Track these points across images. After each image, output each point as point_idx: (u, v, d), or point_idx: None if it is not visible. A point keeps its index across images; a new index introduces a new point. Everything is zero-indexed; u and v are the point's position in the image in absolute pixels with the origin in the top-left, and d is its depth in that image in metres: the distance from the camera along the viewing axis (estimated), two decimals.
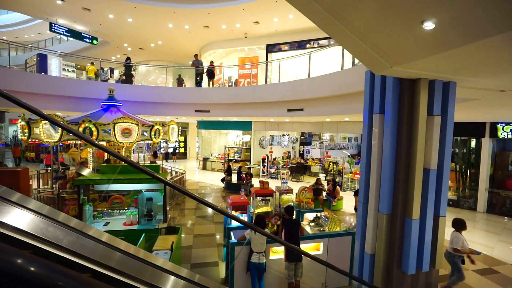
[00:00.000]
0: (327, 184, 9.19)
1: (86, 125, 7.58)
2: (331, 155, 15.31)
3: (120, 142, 8.08)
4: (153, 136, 8.69)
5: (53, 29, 12.51)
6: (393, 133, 2.82)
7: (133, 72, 12.08)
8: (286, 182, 6.21)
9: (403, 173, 2.81)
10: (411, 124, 2.77)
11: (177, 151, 21.77)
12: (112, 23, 13.51)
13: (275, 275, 4.17)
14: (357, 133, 12.26)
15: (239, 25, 13.16)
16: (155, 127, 8.70)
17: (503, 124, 8.65)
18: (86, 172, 6.08)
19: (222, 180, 11.49)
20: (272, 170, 13.87)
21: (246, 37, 14.64)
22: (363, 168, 3.27)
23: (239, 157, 15.70)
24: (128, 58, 12.12)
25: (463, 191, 9.79)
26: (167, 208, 5.59)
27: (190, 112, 11.80)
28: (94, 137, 7.52)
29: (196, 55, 12.44)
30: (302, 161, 14.86)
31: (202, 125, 16.97)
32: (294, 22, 12.49)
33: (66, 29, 13.02)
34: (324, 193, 8.86)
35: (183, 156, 22.10)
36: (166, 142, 18.77)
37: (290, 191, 5.62)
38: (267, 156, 14.14)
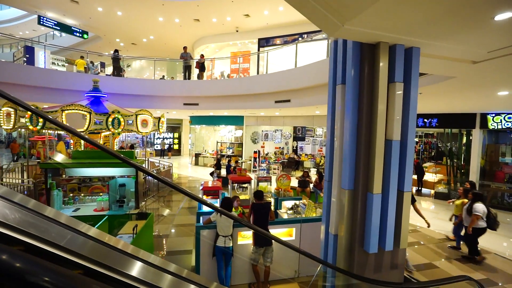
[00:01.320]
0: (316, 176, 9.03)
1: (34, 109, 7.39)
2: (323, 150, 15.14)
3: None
4: (110, 126, 8.05)
5: (41, 22, 12.38)
6: (354, 103, 2.66)
7: (124, 67, 11.95)
8: (265, 170, 6.05)
9: (365, 146, 2.64)
10: (372, 93, 2.61)
11: (172, 147, 21.66)
12: (102, 16, 13.38)
13: (244, 261, 4.00)
14: None
15: (229, 18, 13.02)
16: (113, 116, 7.97)
17: (493, 115, 8.48)
18: (59, 158, 5.93)
19: (211, 174, 11.33)
20: (264, 165, 13.71)
21: (237, 31, 14.50)
22: (328, 144, 3.11)
23: (232, 152, 15.56)
24: (116, 51, 11.98)
25: (454, 184, 9.61)
26: (141, 196, 5.44)
27: (178, 105, 11.65)
28: (40, 125, 7.13)
29: (185, 48, 12.30)
30: (295, 157, 14.70)
31: (195, 120, 16.83)
32: (285, 15, 12.35)
33: (55, 22, 12.89)
34: (311, 186, 8.70)
35: (178, 153, 21.97)
36: (143, 137, 18.64)
37: (268, 178, 5.46)
38: (259, 151, 13.99)
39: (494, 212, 5.03)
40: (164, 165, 11.25)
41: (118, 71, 11.72)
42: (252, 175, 6.61)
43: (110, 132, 8.27)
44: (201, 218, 4.26)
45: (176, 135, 22.16)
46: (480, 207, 4.86)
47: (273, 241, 3.89)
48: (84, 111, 7.44)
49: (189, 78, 12.02)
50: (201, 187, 5.14)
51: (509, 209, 8.41)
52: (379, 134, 2.56)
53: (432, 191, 10.21)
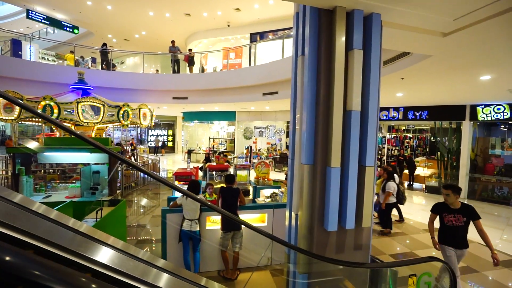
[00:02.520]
0: None
1: (47, 102, 7.35)
2: None
3: (84, 122, 7.88)
4: (121, 118, 8.49)
5: (30, 16, 12.27)
6: (312, 74, 2.53)
7: (118, 64, 11.88)
8: (243, 158, 5.92)
9: (323, 117, 2.51)
10: (330, 62, 2.48)
11: (165, 145, 21.54)
12: (92, 10, 13.26)
13: (213, 248, 3.87)
14: None
15: (220, 12, 12.90)
16: (124, 108, 8.50)
17: (483, 106, 8.36)
18: (32, 145, 5.86)
19: (200, 168, 11.19)
20: (255, 161, 13.57)
21: (229, 26, 14.38)
22: (291, 120, 2.98)
23: (225, 148, 15.43)
24: (104, 44, 11.86)
25: (444, 177, 9.47)
26: (128, 188, 5.31)
27: (167, 99, 11.53)
28: (55, 116, 7.33)
29: (173, 41, 12.19)
30: (287, 153, 14.57)
31: (187, 116, 16.71)
32: (275, 9, 12.23)
33: (45, 16, 12.78)
34: None
35: (172, 150, 21.85)
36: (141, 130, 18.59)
37: (247, 166, 5.34)
38: (250, 147, 13.87)
39: (403, 189, 5.98)
40: (153, 159, 11.14)
41: (107, 64, 11.59)
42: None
43: (120, 123, 8.48)
44: (171, 203, 4.13)
45: (170, 132, 22.04)
46: (391, 185, 5.53)
47: (242, 226, 3.76)
48: (98, 103, 7.72)
49: (178, 72, 11.90)
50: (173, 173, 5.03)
51: (498, 202, 8.28)
52: (337, 104, 2.43)
53: (423, 185, 10.08)
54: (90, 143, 1.45)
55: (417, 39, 3.20)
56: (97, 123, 8.22)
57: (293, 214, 2.88)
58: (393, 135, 13.10)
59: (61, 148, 4.73)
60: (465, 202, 3.33)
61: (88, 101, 7.92)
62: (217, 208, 2.33)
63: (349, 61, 2.46)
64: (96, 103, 8.02)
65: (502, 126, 8.94)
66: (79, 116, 7.69)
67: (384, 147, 12.15)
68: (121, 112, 8.47)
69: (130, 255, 1.26)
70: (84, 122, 7.86)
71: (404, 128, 14.20)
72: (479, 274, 4.08)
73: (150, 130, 21.57)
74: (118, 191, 5.32)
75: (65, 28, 13.68)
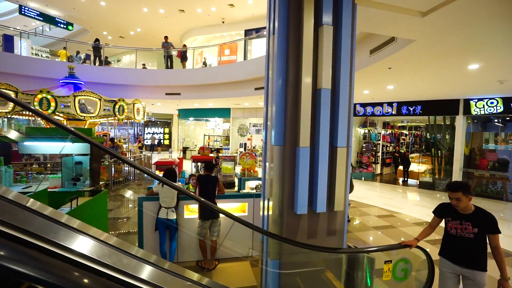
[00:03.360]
0: None
1: (44, 95, 7.31)
2: None
3: (81, 115, 7.86)
4: (116, 112, 8.50)
5: (22, 12, 12.21)
6: (282, 51, 2.44)
7: (114, 61, 11.85)
8: (227, 149, 5.83)
9: (292, 96, 2.42)
10: (299, 39, 2.39)
11: (162, 143, 21.47)
12: (85, 6, 13.20)
13: (191, 237, 3.78)
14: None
15: (214, 8, 12.82)
16: (119, 103, 8.53)
17: (476, 100, 8.26)
18: (12, 134, 5.82)
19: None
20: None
21: (223, 22, 14.30)
22: (265, 102, 2.90)
23: (221, 146, 15.35)
24: (97, 40, 11.80)
25: (438, 172, 9.37)
26: (119, 182, 5.22)
27: (160, 95, 11.46)
28: (51, 109, 7.34)
29: (166, 37, 12.11)
30: None
31: (182, 114, 16.65)
32: None
33: (38, 12, 12.72)
34: None
35: (168, 148, 21.77)
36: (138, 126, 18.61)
37: (232, 158, 5.25)
38: (245, 144, 13.81)
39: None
40: (146, 155, 11.07)
41: (99, 60, 11.53)
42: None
43: (116, 117, 8.53)
44: None
45: (166, 130, 21.97)
46: None
47: (221, 216, 3.68)
48: (95, 97, 7.79)
49: (171, 68, 11.82)
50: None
51: (492, 197, 8.17)
52: (306, 81, 2.35)
53: (417, 181, 9.98)
54: (71, 132, 1.50)
55: (397, 20, 3.11)
56: (93, 117, 8.22)
57: (266, 198, 2.80)
58: (388, 132, 13.00)
59: (41, 137, 4.66)
60: (482, 208, 2.37)
61: (85, 95, 7.92)
62: (193, 195, 2.26)
63: (318, 38, 2.38)
64: (93, 97, 8.02)
65: (496, 120, 8.84)
66: (76, 110, 7.67)
67: (379, 143, 12.05)
68: (117, 106, 8.52)
69: (100, 240, 1.19)
70: (81, 116, 7.86)
71: (400, 124, 14.10)
72: None
73: (146, 128, 21.52)
74: (101, 183, 5.24)
75: (58, 24, 13.61)
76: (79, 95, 7.69)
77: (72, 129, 1.54)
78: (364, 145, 11.57)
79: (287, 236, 2.49)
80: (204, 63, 12.83)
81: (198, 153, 11.02)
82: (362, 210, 6.74)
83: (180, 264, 3.86)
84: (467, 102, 8.47)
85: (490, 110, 8.06)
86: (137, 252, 1.29)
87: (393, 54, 4.33)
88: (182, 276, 1.38)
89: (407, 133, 14.84)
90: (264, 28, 14.05)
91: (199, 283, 1.41)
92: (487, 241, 2.29)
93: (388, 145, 12.89)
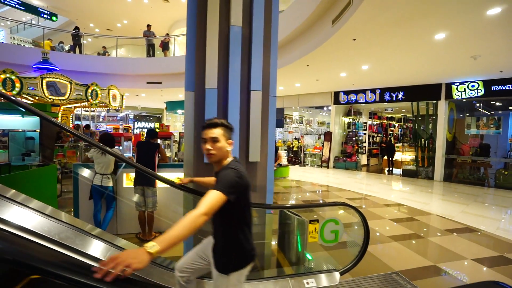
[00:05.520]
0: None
1: (7, 76, 7.15)
2: (293, 132, 14.54)
3: (50, 98, 7.69)
4: (89, 97, 8.32)
5: (2, 0, 12.06)
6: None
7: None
8: None
9: (201, 36, 2.21)
10: None
11: None
12: None
13: (132, 208, 3.57)
14: (317, 104, 11.65)
15: None
16: (92, 87, 8.34)
17: (457, 84, 8.03)
18: None
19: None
20: None
21: None
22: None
23: None
24: (77, 28, 11.64)
25: (422, 160, 9.13)
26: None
27: (141, 84, 11.28)
28: (16, 90, 7.16)
29: (148, 26, 11.94)
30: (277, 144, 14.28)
31: (170, 106, 16.48)
32: None
33: (19, 2, 12.57)
34: None
35: None
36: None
37: None
38: None
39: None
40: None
41: (79, 49, 11.37)
42: None
43: (89, 102, 8.38)
44: None
45: (157, 124, 21.77)
46: None
47: (159, 185, 3.48)
48: (65, 80, 7.64)
49: (153, 57, 11.65)
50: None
51: (474, 183, 7.92)
52: (211, 17, 2.14)
53: (401, 170, 9.75)
54: (22, 106, 1.55)
55: None
56: (63, 100, 8.04)
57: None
58: (375, 122, 12.76)
59: None
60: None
61: (53, 78, 7.75)
62: (122, 156, 2.09)
63: None
64: (62, 79, 7.87)
65: (477, 104, 8.59)
66: (44, 92, 7.51)
67: (365, 133, 11.83)
68: (90, 90, 8.35)
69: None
70: (50, 99, 7.69)
71: (388, 115, 13.86)
72: (424, 239, 3.74)
73: (136, 123, 21.38)
74: (56, 160, 5.05)
75: (42, 15, 13.44)
76: (47, 77, 7.51)
77: (23, 102, 1.55)
78: (349, 135, 11.34)
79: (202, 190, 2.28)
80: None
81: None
82: (335, 194, 6.52)
83: (121, 235, 3.65)
84: (448, 86, 8.24)
85: (471, 93, 7.83)
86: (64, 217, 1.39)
87: (351, 17, 4.10)
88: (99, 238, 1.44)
89: (396, 124, 14.59)
90: None
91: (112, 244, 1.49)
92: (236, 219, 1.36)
93: (375, 135, 12.65)
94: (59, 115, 9.12)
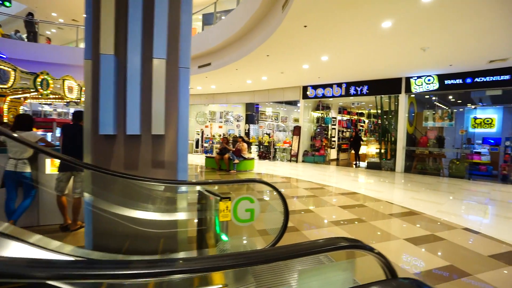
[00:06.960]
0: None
1: None
2: (263, 127, 14.50)
3: None
4: (38, 86, 7.74)
5: None
6: None
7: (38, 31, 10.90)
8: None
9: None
10: None
11: None
12: None
13: (55, 197, 3.27)
14: (287, 98, 11.68)
15: None
16: (42, 76, 7.75)
17: (415, 78, 8.31)
18: None
19: None
20: (206, 145, 13.11)
21: None
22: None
23: None
24: (30, 14, 10.89)
25: (385, 153, 9.37)
26: None
27: None
28: None
29: None
30: (244, 137, 14.13)
31: None
32: None
33: None
34: (230, 153, 8.19)
35: None
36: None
37: None
38: (202, 131, 13.40)
39: None
40: None
41: (34, 36, 10.62)
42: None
43: (38, 92, 7.74)
44: None
45: None
46: None
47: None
48: (8, 67, 6.96)
49: None
50: None
51: (431, 173, 8.24)
52: None
53: (365, 162, 9.96)
54: None
55: None
56: (6, 89, 7.41)
57: None
58: (344, 118, 13.00)
59: None
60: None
61: None
62: (35, 145, 1.83)
63: None
64: (3, 66, 7.26)
65: (434, 98, 8.97)
66: None
67: (334, 128, 11.99)
68: (39, 80, 7.73)
69: None
70: None
71: (358, 111, 14.18)
72: (365, 223, 3.74)
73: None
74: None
75: None
76: None
77: None
78: (318, 129, 11.44)
79: (98, 164, 2.08)
80: None
81: None
82: (294, 184, 6.49)
83: (42, 227, 3.35)
84: (408, 80, 8.51)
85: (427, 87, 8.12)
86: None
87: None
88: None
89: (366, 120, 14.97)
90: (222, 12, 13.66)
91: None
92: None
93: (345, 130, 12.89)
94: (6, 106, 8.44)
